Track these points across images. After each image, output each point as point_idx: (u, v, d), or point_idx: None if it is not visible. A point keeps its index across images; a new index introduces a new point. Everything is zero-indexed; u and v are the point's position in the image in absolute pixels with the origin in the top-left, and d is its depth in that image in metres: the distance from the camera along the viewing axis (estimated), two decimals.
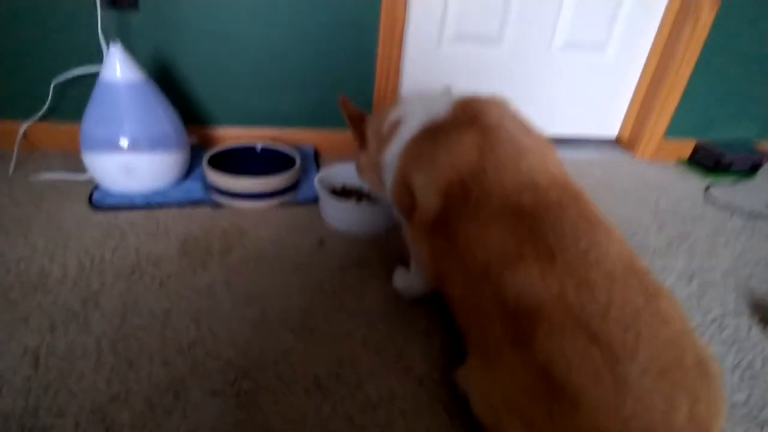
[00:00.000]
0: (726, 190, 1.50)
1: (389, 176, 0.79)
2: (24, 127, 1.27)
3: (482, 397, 0.58)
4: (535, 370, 0.49)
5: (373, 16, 1.33)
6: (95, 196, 1.11)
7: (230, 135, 1.43)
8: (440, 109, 0.72)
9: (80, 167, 1.16)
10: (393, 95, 1.46)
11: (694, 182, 1.55)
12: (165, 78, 1.31)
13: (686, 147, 1.71)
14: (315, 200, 1.18)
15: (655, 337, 0.46)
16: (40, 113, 1.27)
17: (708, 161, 1.63)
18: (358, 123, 0.90)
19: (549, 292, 0.51)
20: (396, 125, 0.78)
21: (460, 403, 0.66)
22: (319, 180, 1.12)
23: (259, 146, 1.28)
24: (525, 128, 0.69)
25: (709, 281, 1.02)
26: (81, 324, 0.75)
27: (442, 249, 0.66)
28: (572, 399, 0.46)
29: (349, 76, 1.42)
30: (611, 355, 0.45)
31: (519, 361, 0.52)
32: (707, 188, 1.50)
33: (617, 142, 1.82)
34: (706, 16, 1.45)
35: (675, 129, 1.67)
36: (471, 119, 0.68)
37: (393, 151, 0.77)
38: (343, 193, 1.18)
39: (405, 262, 0.93)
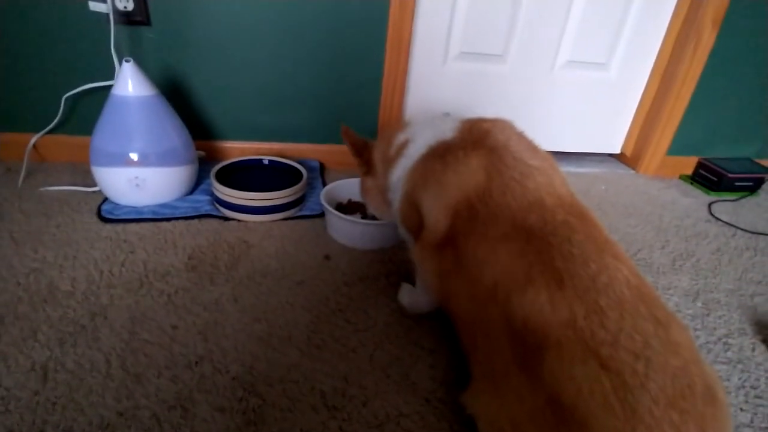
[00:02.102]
0: (729, 207, 1.51)
1: (396, 196, 0.80)
2: (34, 139, 1.28)
3: (489, 422, 0.58)
4: (544, 396, 0.49)
5: (379, 34, 1.35)
6: (104, 208, 1.12)
7: (237, 149, 1.45)
8: (447, 131, 0.74)
9: (89, 180, 1.18)
10: (398, 111, 1.48)
11: (697, 199, 1.56)
12: (175, 93, 1.33)
13: (689, 164, 1.72)
14: (320, 215, 1.19)
15: (666, 365, 0.46)
16: (51, 126, 1.28)
17: (710, 178, 1.64)
18: (361, 150, 0.91)
19: (558, 317, 0.51)
20: (404, 146, 0.79)
21: (467, 422, 0.66)
22: (324, 194, 1.13)
23: (266, 160, 1.30)
24: (531, 149, 0.70)
25: (713, 300, 1.02)
26: (90, 338, 0.76)
27: (448, 269, 0.66)
28: (581, 427, 0.46)
29: (355, 93, 1.44)
30: (621, 383, 0.45)
31: (527, 386, 0.52)
32: (710, 205, 1.50)
33: (619, 158, 1.83)
34: (707, 38, 1.47)
35: (677, 146, 1.68)
36: (477, 140, 0.69)
37: (400, 172, 0.78)
38: (348, 207, 1.19)
39: (410, 279, 0.94)
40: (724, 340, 0.91)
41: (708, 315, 0.97)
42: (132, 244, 1.01)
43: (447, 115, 0.96)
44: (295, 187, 1.14)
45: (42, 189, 1.19)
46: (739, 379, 0.82)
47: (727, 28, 1.47)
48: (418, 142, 0.77)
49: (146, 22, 1.23)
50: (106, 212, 1.10)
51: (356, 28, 1.33)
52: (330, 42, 1.35)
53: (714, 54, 1.51)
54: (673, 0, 1.50)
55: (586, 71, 1.59)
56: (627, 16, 1.51)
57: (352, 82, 1.42)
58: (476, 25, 1.44)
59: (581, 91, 1.63)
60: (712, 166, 1.64)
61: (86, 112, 1.30)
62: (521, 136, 0.72)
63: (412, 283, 0.90)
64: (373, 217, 1.05)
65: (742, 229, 1.35)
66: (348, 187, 1.21)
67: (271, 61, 1.35)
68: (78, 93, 1.26)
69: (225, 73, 1.34)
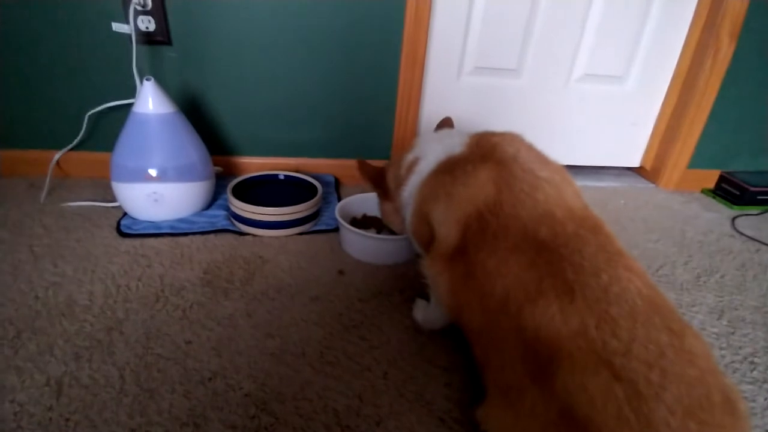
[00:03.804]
0: (752, 221, 1.47)
1: (408, 211, 0.80)
2: (58, 155, 1.32)
3: None
4: (557, 409, 0.48)
5: (394, 49, 1.36)
6: (123, 223, 1.14)
7: (254, 164, 1.47)
8: (456, 146, 0.74)
9: (110, 195, 1.20)
10: (413, 126, 1.48)
11: (720, 213, 1.52)
12: (193, 110, 1.36)
13: (710, 177, 1.68)
14: (335, 229, 1.19)
15: (681, 374, 0.45)
16: (74, 143, 1.32)
17: (733, 192, 1.60)
18: (378, 180, 0.95)
19: (569, 328, 0.50)
20: (413, 164, 0.80)
21: None
22: (339, 209, 1.13)
23: (281, 175, 1.31)
24: (541, 160, 0.70)
25: (738, 317, 0.98)
26: (105, 353, 0.76)
27: (460, 282, 0.66)
28: None
29: (370, 109, 1.44)
30: (635, 393, 0.44)
31: (540, 399, 0.51)
32: (734, 219, 1.46)
33: (639, 172, 1.80)
34: (726, 48, 1.45)
35: (698, 159, 1.65)
36: (486, 154, 0.70)
37: (410, 188, 0.79)
38: (363, 222, 1.19)
39: (425, 295, 0.93)
40: (750, 359, 0.87)
41: (733, 333, 0.94)
42: (149, 258, 1.02)
43: (448, 119, 1.00)
44: (310, 202, 1.14)
45: (63, 204, 1.22)
46: (766, 399, 0.78)
47: (746, 38, 1.44)
48: (429, 158, 0.78)
49: (167, 41, 1.26)
50: (125, 227, 1.12)
51: (371, 44, 1.34)
52: (345, 58, 1.36)
53: (733, 65, 1.48)
54: (690, 12, 1.49)
55: (603, 84, 1.58)
56: (644, 29, 1.50)
57: (367, 97, 1.43)
58: (491, 40, 1.44)
59: (599, 105, 1.61)
60: (735, 179, 1.60)
61: (108, 130, 1.33)
62: (530, 148, 0.72)
63: (427, 298, 0.89)
64: (390, 232, 1.05)
65: (766, 244, 1.31)
66: (363, 202, 1.21)
67: (288, 78, 1.37)
68: (101, 111, 1.29)
69: (242, 91, 1.37)
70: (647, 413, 0.43)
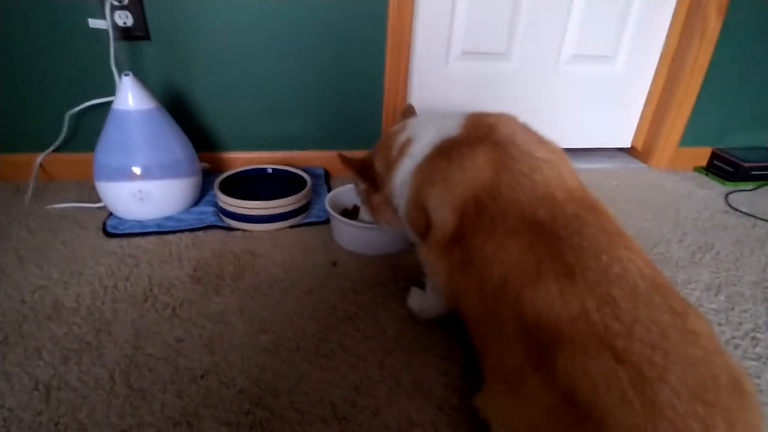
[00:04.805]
0: (747, 197, 1.46)
1: (401, 200, 0.78)
2: (40, 158, 1.29)
3: (504, 425, 0.55)
4: (558, 394, 0.47)
5: (379, 37, 1.34)
6: (109, 223, 1.11)
7: (242, 159, 1.44)
8: (451, 128, 0.72)
9: (95, 196, 1.17)
10: None
11: (713, 190, 1.51)
12: (177, 106, 1.33)
13: (702, 155, 1.68)
14: (326, 221, 1.17)
15: (685, 355, 0.44)
16: (56, 145, 1.29)
17: (726, 169, 1.59)
18: (366, 170, 0.86)
19: (569, 311, 0.49)
20: (405, 146, 0.77)
21: (481, 430, 0.63)
22: (329, 201, 1.11)
23: (269, 169, 1.29)
24: (538, 141, 0.68)
25: (737, 293, 0.98)
26: (94, 354, 0.75)
27: (458, 268, 0.64)
28: (599, 424, 0.43)
29: (358, 98, 1.42)
30: (639, 376, 0.43)
31: (540, 385, 0.49)
32: (727, 195, 1.46)
33: (631, 153, 1.79)
34: (714, 25, 1.44)
35: (690, 137, 1.64)
36: (483, 135, 0.67)
37: (404, 173, 0.76)
38: (354, 213, 1.17)
39: (419, 283, 0.91)
40: (751, 335, 0.87)
41: (732, 309, 0.93)
42: (137, 258, 1.00)
43: (410, 107, 0.94)
44: (299, 194, 1.12)
45: (48, 207, 1.19)
46: None
47: (734, 14, 1.43)
48: (422, 141, 0.74)
49: (146, 36, 1.23)
50: (111, 227, 1.10)
51: (355, 31, 1.32)
52: (330, 48, 1.34)
53: (722, 41, 1.47)
54: None
55: (592, 65, 1.56)
56: (630, 7, 1.49)
57: (354, 87, 1.41)
58: (477, 24, 1.42)
59: (588, 86, 1.60)
60: (727, 156, 1.60)
61: (90, 129, 1.29)
62: (527, 129, 0.70)
63: (422, 287, 0.88)
64: None
65: (762, 219, 1.31)
66: (353, 193, 1.19)
67: (271, 69, 1.34)
68: (81, 110, 1.26)
69: (226, 84, 1.34)
70: (651, 396, 0.42)
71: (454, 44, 1.44)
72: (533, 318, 0.51)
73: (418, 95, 1.49)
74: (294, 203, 1.12)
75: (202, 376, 0.72)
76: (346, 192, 1.19)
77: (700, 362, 0.44)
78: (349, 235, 1.06)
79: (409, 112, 0.96)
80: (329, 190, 1.29)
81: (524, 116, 0.73)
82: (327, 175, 1.47)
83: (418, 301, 0.86)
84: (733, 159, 1.57)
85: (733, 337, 0.86)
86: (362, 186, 0.89)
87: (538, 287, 0.52)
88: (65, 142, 1.31)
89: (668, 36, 1.54)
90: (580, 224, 0.55)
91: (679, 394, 0.41)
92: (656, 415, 0.41)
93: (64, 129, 1.27)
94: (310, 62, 1.35)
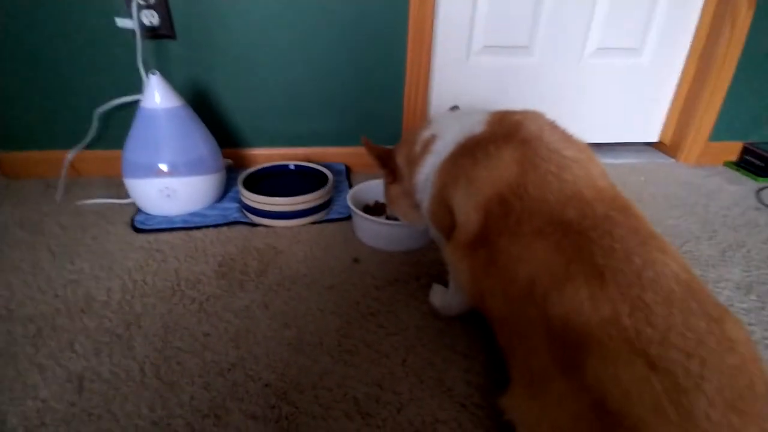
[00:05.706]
0: None
1: (425, 196, 0.77)
2: (70, 155, 1.33)
3: (529, 428, 0.55)
4: (588, 401, 0.46)
5: (400, 32, 1.33)
6: (137, 219, 1.14)
7: (264, 156, 1.46)
8: (476, 125, 0.70)
9: (123, 192, 1.20)
10: (423, 110, 1.46)
11: (744, 186, 1.47)
12: (201, 103, 1.35)
13: (733, 150, 1.63)
14: (348, 218, 1.18)
15: (722, 364, 0.42)
16: (85, 142, 1.32)
17: (757, 164, 1.54)
18: (386, 159, 0.87)
19: (600, 315, 0.47)
20: (429, 143, 0.76)
21: (505, 429, 0.63)
22: (351, 197, 1.12)
23: (292, 165, 1.30)
24: (566, 139, 0.67)
25: None
26: (124, 347, 0.77)
27: (483, 268, 0.63)
28: None
29: (379, 94, 1.42)
30: (673, 384, 0.41)
31: (569, 391, 0.48)
32: (759, 191, 1.41)
33: (658, 147, 1.75)
34: (744, 17, 1.39)
35: (720, 131, 1.59)
36: (509, 133, 0.66)
37: (428, 170, 0.75)
38: (375, 209, 1.18)
39: (442, 280, 0.91)
40: None
41: (763, 309, 0.91)
42: (164, 253, 1.02)
43: (455, 108, 0.92)
44: (321, 190, 1.13)
45: (78, 203, 1.23)
46: None
47: (766, 4, 1.37)
48: (446, 138, 0.74)
49: (172, 36, 1.25)
50: (139, 223, 1.13)
51: (376, 27, 1.32)
52: (351, 45, 1.34)
53: (753, 32, 1.42)
54: None
55: (617, 58, 1.53)
56: None
57: (376, 83, 1.40)
58: (499, 17, 1.40)
59: (614, 79, 1.56)
60: (759, 150, 1.54)
61: (119, 126, 1.33)
62: (554, 127, 0.68)
63: (444, 284, 0.88)
64: None
65: None
66: (374, 189, 1.20)
67: (293, 66, 1.35)
68: (110, 108, 1.29)
69: (249, 82, 1.36)
70: (687, 406, 0.40)
71: (475, 38, 1.43)
72: (561, 321, 0.50)
73: (439, 90, 1.48)
74: (316, 199, 1.13)
75: (228, 370, 0.73)
76: (368, 188, 1.19)
77: (737, 371, 0.42)
78: (371, 231, 1.07)
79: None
80: (350, 187, 1.30)
81: (548, 111, 0.72)
82: (348, 172, 1.47)
83: (439, 298, 0.86)
84: (765, 154, 1.52)
85: (764, 338, 0.83)
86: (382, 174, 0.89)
87: (566, 289, 0.51)
88: (94, 140, 1.34)
89: (697, 27, 1.49)
90: (611, 225, 0.53)
91: (715, 403, 0.40)
92: (691, 426, 0.40)
93: (94, 127, 1.31)
94: (331, 59, 1.35)
